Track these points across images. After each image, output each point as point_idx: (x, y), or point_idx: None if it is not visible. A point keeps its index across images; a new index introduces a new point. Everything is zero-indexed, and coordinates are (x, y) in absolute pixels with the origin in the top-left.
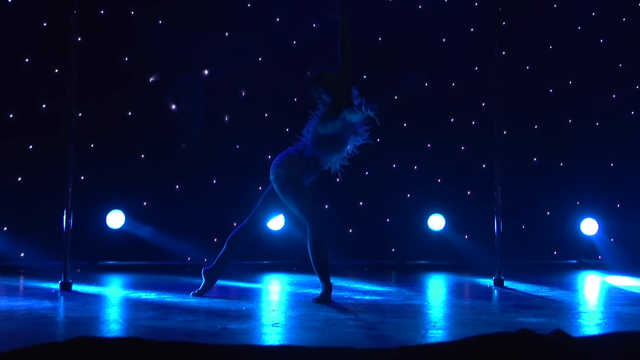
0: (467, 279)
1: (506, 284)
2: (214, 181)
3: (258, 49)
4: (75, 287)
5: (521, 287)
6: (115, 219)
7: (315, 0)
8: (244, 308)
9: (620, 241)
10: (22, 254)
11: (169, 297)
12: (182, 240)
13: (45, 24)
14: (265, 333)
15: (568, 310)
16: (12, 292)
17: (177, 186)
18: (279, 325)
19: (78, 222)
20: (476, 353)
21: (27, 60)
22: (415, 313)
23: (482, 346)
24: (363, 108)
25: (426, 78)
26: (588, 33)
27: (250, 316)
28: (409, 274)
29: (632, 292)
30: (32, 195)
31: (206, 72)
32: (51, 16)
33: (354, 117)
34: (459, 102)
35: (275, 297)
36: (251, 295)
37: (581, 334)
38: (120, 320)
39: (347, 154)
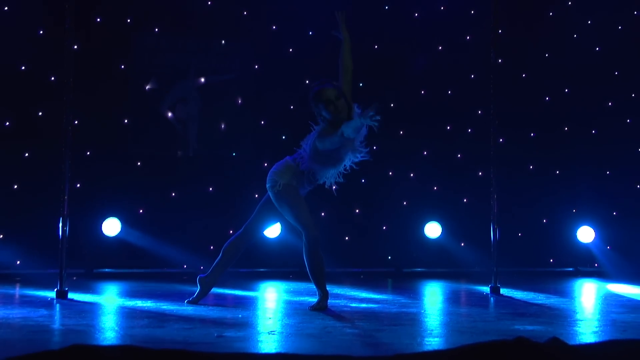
0: (464, 287)
1: (502, 291)
2: (210, 189)
3: (254, 56)
4: (71, 295)
5: (517, 294)
6: (111, 227)
7: (311, 8)
8: (240, 316)
9: (616, 249)
10: (18, 262)
11: (165, 305)
12: (178, 248)
13: (41, 32)
14: (262, 341)
15: (564, 318)
16: (8, 299)
17: (173, 194)
18: (275, 333)
19: (74, 230)
20: None
21: (23, 67)
22: (412, 321)
23: (479, 354)
24: (360, 118)
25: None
26: (584, 41)
27: (246, 324)
28: (405, 281)
29: (629, 300)
30: (28, 203)
31: (202, 80)
32: (47, 24)
33: (351, 132)
34: (455, 109)
35: (271, 304)
36: (247, 303)
37: (577, 342)
38: (116, 328)
39: (344, 169)
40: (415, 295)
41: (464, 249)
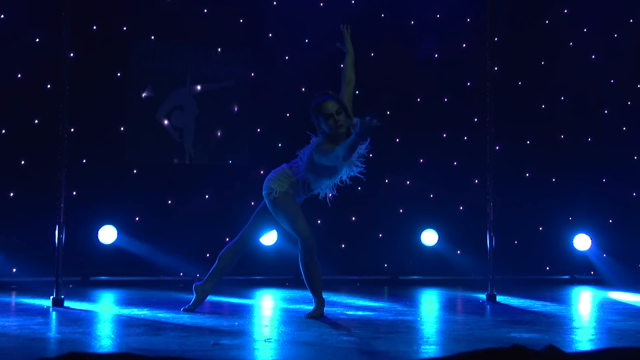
0: (460, 294)
1: (499, 299)
2: (207, 196)
3: (250, 64)
4: (68, 303)
5: (514, 302)
6: (108, 234)
7: (308, 16)
8: (236, 323)
9: (612, 257)
10: (14, 270)
11: (161, 313)
12: (174, 256)
13: (37, 40)
14: (258, 349)
15: (561, 325)
16: (3, 307)
17: (169, 201)
18: (272, 340)
19: (70, 238)
20: None
21: (19, 75)
22: (408, 328)
23: None
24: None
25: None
26: (580, 49)
27: (242, 332)
28: (401, 289)
29: (625, 308)
30: (24, 210)
31: (199, 87)
32: (44, 32)
33: (346, 155)
34: (451, 117)
35: (267, 312)
36: (243, 311)
37: (574, 350)
38: (112, 336)
39: (340, 181)
40: (411, 302)
41: (460, 256)
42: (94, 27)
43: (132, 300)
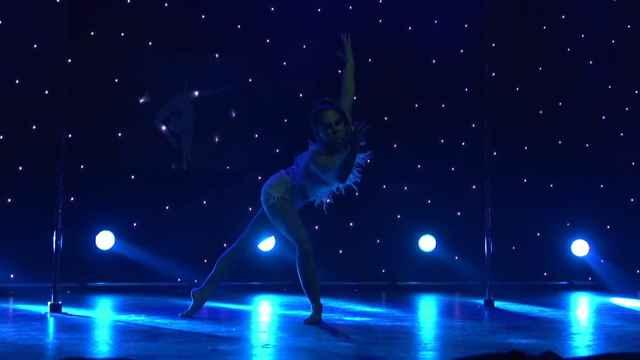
0: (458, 300)
1: (497, 304)
2: (204, 202)
3: (248, 70)
4: (65, 309)
5: (512, 308)
6: (105, 240)
7: (305, 22)
8: (233, 329)
9: (610, 262)
10: (12, 275)
11: (158, 319)
12: (171, 261)
13: (35, 46)
14: (256, 354)
15: (559, 331)
16: (1, 313)
17: (167, 207)
18: (269, 346)
19: (68, 243)
20: None
21: (17, 81)
22: (406, 334)
23: None
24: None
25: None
26: (577, 55)
27: (240, 337)
28: (399, 294)
29: (623, 313)
30: (21, 216)
31: (196, 93)
32: (41, 38)
33: (342, 178)
34: (449, 123)
35: (265, 318)
36: (241, 317)
37: (572, 356)
38: (110, 342)
39: (337, 190)
40: (409, 308)
41: (458, 262)
42: (92, 33)
43: (129, 306)
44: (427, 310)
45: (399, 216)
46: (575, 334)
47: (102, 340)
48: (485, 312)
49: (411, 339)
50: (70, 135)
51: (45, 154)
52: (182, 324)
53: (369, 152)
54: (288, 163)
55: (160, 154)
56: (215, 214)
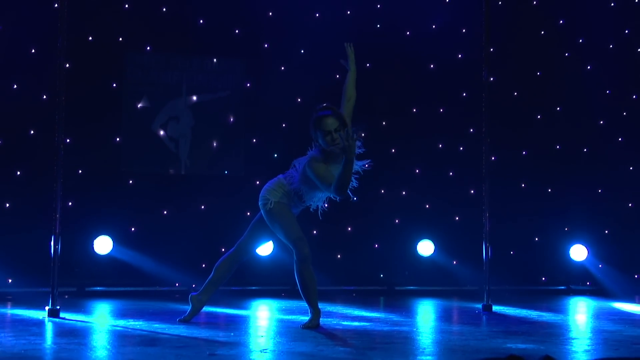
0: (456, 305)
1: (495, 309)
2: (202, 206)
3: (246, 74)
4: (63, 314)
5: (510, 312)
6: (103, 245)
7: (303, 27)
8: (232, 334)
9: (608, 267)
10: (10, 280)
11: (156, 323)
12: (169, 266)
13: (33, 50)
14: (254, 359)
15: (557, 336)
16: None
17: (165, 212)
18: (267, 351)
19: (66, 248)
20: None
21: (15, 86)
22: (404, 339)
23: None
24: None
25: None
26: (575, 60)
27: (238, 342)
28: (397, 299)
29: (622, 318)
30: (20, 221)
31: (194, 98)
32: (39, 42)
33: (340, 192)
34: (447, 127)
35: (263, 323)
36: (239, 321)
37: None
38: (108, 347)
39: (333, 196)
40: (407, 313)
41: (456, 266)
42: (90, 38)
43: (127, 311)
44: (426, 315)
45: (397, 221)
46: (573, 339)
47: (100, 345)
48: (484, 317)
49: (409, 343)
50: (68, 140)
51: (43, 159)
52: (180, 329)
53: (367, 161)
54: (286, 168)
55: (158, 159)
56: (213, 219)
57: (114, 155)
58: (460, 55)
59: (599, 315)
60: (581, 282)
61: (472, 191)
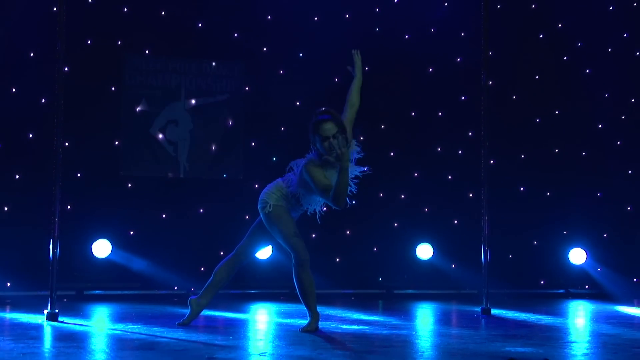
0: (455, 308)
1: (493, 312)
2: (201, 210)
3: (245, 78)
4: (62, 317)
5: (509, 316)
6: (102, 248)
7: (302, 30)
8: (230, 338)
9: (607, 271)
10: (8, 284)
11: (155, 327)
12: (168, 270)
13: (32, 54)
14: None
15: (556, 339)
16: None
17: (163, 215)
18: (266, 355)
19: (65, 252)
20: None
21: (14, 90)
22: (403, 342)
23: None
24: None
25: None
26: (574, 63)
27: (237, 346)
28: (396, 303)
29: (621, 322)
30: (18, 225)
31: (193, 101)
32: (38, 46)
33: (338, 203)
34: (445, 131)
35: (262, 326)
36: (238, 325)
37: None
38: (107, 350)
39: None
40: (406, 316)
41: (455, 270)
42: (89, 41)
43: (126, 314)
44: (424, 319)
45: (396, 224)
46: (572, 342)
47: (99, 349)
48: (482, 320)
49: (408, 347)
50: (67, 144)
51: (42, 162)
52: (179, 333)
53: (366, 168)
54: (285, 171)
55: (157, 162)
56: (212, 222)
57: (112, 158)
58: (459, 59)
59: (598, 319)
60: (580, 285)
61: (471, 195)
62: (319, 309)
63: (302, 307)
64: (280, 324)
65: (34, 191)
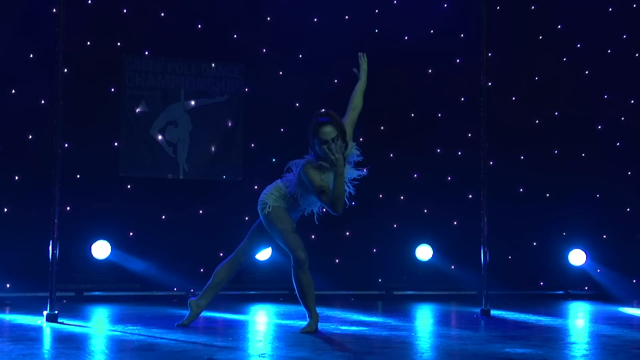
0: (454, 309)
1: (493, 313)
2: (200, 211)
3: (244, 79)
4: (62, 319)
5: (508, 317)
6: (101, 249)
7: (302, 31)
8: (230, 339)
9: (606, 272)
10: (8, 285)
11: (155, 328)
12: (168, 271)
13: (31, 55)
14: None
15: (555, 340)
16: None
17: (163, 216)
18: (266, 356)
19: (64, 253)
20: None
21: (13, 91)
22: (402, 343)
23: None
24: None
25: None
26: (573, 64)
27: (236, 347)
28: (396, 304)
29: (620, 323)
30: (18, 226)
31: (193, 102)
32: (37, 47)
33: (336, 209)
34: (445, 132)
35: (261, 327)
36: (237, 326)
37: None
38: (106, 351)
39: None
40: (405, 317)
41: (455, 271)
42: (88, 43)
43: (126, 316)
44: (424, 320)
45: (395, 225)
46: (572, 344)
47: (99, 350)
48: (482, 322)
49: (408, 348)
50: (66, 145)
51: (41, 164)
52: (178, 334)
53: (364, 171)
54: (284, 172)
55: (156, 164)
56: (211, 224)
57: (112, 159)
58: (458, 60)
59: (598, 320)
60: (579, 286)
61: (471, 196)
62: (319, 310)
63: (302, 308)
64: (279, 325)
65: (34, 192)
